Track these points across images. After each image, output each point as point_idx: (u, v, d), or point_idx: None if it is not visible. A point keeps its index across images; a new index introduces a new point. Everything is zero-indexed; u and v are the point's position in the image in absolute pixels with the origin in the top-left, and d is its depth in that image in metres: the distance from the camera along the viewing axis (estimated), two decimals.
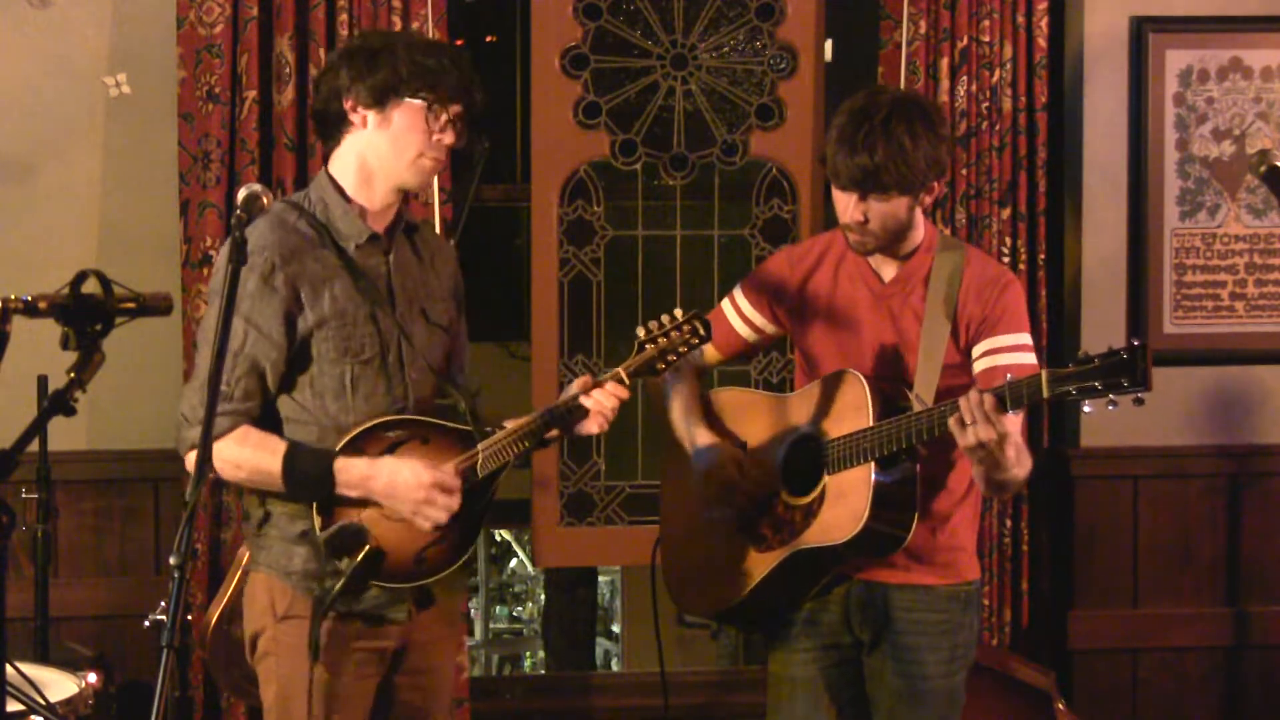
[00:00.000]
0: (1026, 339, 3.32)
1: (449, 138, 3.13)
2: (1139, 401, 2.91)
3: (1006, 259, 4.75)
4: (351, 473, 3.07)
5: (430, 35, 4.54)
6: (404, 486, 3.07)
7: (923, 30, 4.72)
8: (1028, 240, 4.80)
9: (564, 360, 4.99)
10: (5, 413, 3.55)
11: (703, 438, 3.47)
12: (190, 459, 3.05)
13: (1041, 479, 4.86)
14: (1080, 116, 4.87)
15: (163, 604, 3.89)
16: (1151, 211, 4.86)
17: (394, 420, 3.13)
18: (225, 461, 3.08)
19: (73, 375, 2.54)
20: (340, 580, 3.04)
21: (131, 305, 2.63)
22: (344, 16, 4.52)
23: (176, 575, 2.59)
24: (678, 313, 3.17)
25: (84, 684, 3.61)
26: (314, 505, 3.09)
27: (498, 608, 10.25)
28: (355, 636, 3.14)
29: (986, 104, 4.76)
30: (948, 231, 4.71)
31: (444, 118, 3.11)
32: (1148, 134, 4.85)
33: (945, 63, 4.72)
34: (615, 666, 9.30)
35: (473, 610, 9.51)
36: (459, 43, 7.55)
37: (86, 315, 2.56)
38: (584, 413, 3.16)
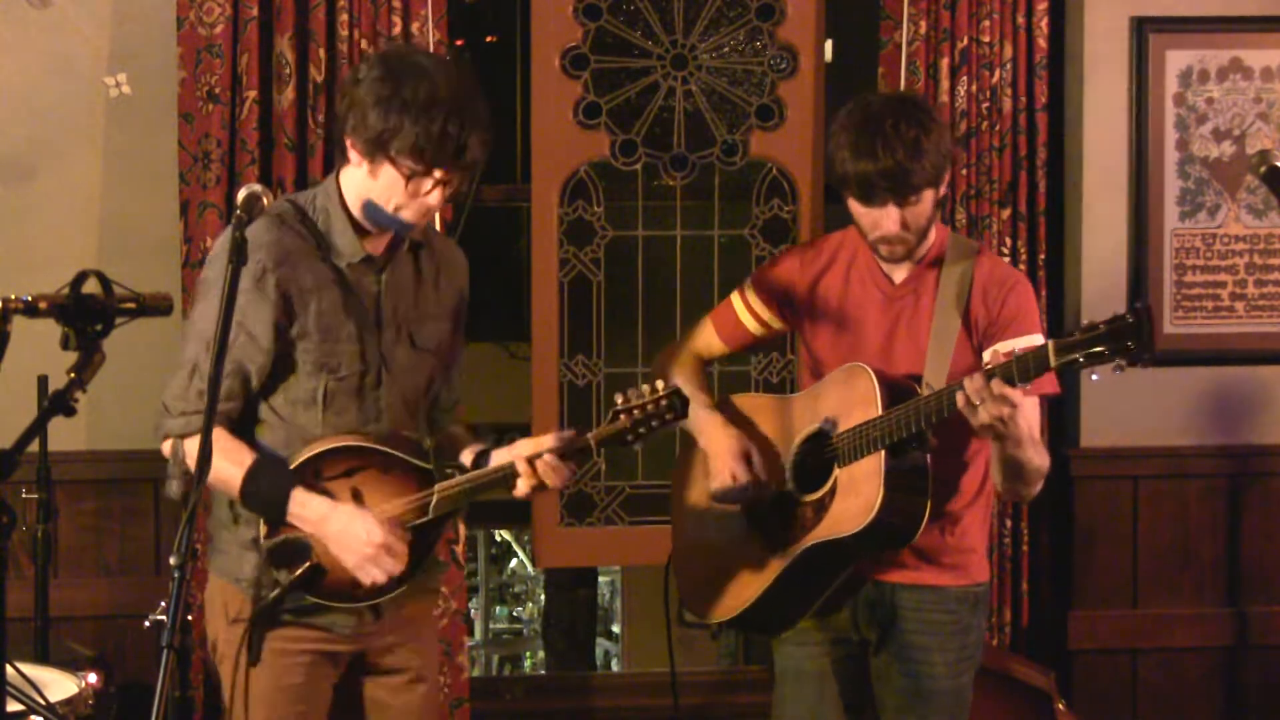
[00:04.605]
0: (1038, 340, 3.29)
1: (434, 199, 3.10)
2: (1145, 363, 2.90)
3: (1006, 259, 4.75)
4: (308, 509, 3.10)
5: (430, 36, 4.55)
6: (355, 540, 3.09)
7: (923, 30, 4.72)
8: (1028, 240, 4.80)
9: (564, 360, 4.99)
10: (5, 413, 3.55)
11: (721, 432, 3.45)
12: (167, 447, 3.10)
13: None
14: (1080, 116, 4.87)
15: (163, 604, 3.86)
16: (1151, 211, 4.86)
17: (355, 445, 3.14)
18: (194, 459, 3.11)
19: (73, 375, 2.54)
20: (276, 591, 3.09)
21: (131, 305, 2.63)
22: (344, 17, 4.52)
23: (176, 575, 2.62)
24: (659, 384, 3.14)
25: (84, 684, 3.60)
26: None
27: (498, 608, 10.24)
28: (303, 639, 3.18)
29: (986, 104, 4.76)
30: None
31: (426, 184, 3.07)
32: (1148, 134, 4.84)
33: (945, 63, 4.72)
34: (615, 666, 9.30)
35: (473, 610, 9.50)
36: (459, 43, 7.57)
37: (86, 315, 2.56)
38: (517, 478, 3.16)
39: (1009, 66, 4.75)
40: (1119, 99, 4.86)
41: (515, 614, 10.35)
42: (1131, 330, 2.87)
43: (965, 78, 4.74)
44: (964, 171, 4.75)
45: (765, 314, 3.51)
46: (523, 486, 3.15)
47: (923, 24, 4.71)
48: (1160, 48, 4.84)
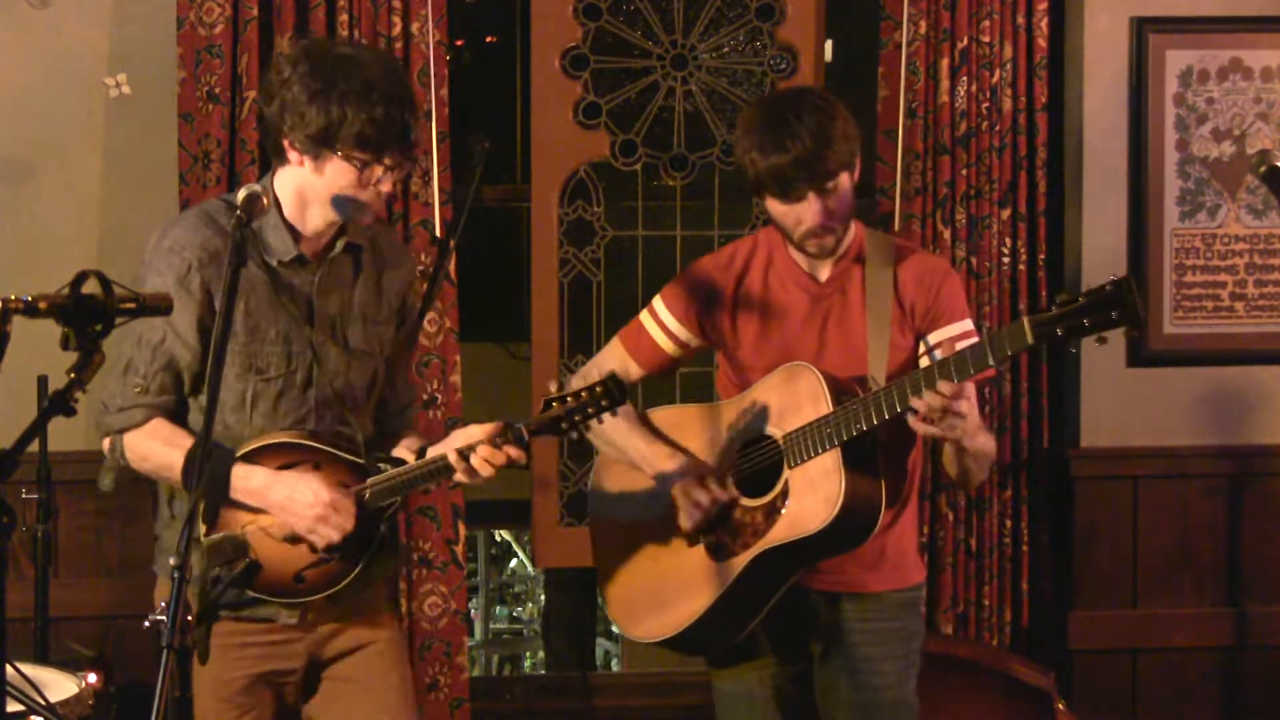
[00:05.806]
0: (972, 325, 3.32)
1: (385, 186, 3.09)
2: (1136, 336, 2.88)
3: (1007, 259, 4.76)
4: (251, 480, 3.12)
5: (430, 36, 4.55)
6: (303, 502, 3.09)
7: (923, 30, 4.72)
8: (1028, 240, 4.80)
9: (564, 360, 4.99)
10: (5, 413, 3.56)
11: (662, 452, 3.38)
12: (106, 443, 3.21)
13: (1041, 479, 4.86)
14: (1080, 116, 4.87)
15: (163, 604, 3.87)
16: (1151, 212, 4.86)
17: (289, 442, 3.14)
18: (134, 453, 3.18)
19: (73, 375, 2.54)
20: (217, 587, 3.10)
21: (131, 305, 2.62)
22: (344, 17, 4.52)
23: (176, 575, 2.62)
24: (594, 372, 3.11)
25: (84, 684, 3.60)
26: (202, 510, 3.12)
27: (498, 608, 10.23)
28: (247, 632, 3.19)
29: (986, 104, 4.76)
30: (947, 233, 4.72)
31: (378, 172, 3.07)
32: (1148, 134, 4.85)
33: (945, 63, 4.72)
34: (615, 666, 9.29)
35: (473, 610, 9.50)
36: (459, 43, 7.56)
37: (86, 315, 2.56)
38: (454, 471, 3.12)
39: (1009, 66, 4.75)
40: (1119, 99, 4.86)
41: (515, 614, 10.34)
42: (1113, 299, 2.84)
43: (965, 78, 4.74)
44: (964, 171, 4.75)
45: (683, 333, 3.42)
46: (460, 477, 3.12)
47: (923, 24, 4.71)
48: (1160, 48, 4.84)
